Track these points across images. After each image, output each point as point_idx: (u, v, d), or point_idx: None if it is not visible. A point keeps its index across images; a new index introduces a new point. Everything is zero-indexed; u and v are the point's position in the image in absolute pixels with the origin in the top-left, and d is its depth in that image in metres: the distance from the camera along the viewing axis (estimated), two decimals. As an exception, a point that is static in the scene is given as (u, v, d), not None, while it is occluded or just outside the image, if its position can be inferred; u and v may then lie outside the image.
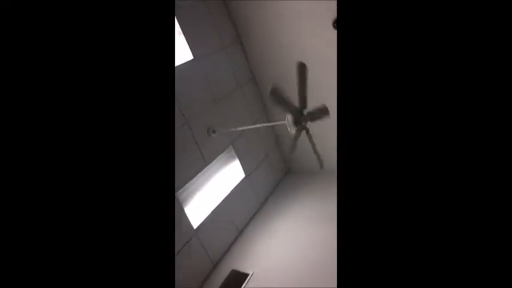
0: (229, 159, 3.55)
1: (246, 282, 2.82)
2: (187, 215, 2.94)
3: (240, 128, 3.15)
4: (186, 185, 2.96)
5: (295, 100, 2.41)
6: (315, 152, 2.64)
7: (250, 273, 2.90)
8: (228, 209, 3.42)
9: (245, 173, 3.70)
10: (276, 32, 3.42)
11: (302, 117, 2.50)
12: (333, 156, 3.29)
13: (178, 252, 2.80)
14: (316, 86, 3.29)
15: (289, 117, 2.45)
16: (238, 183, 3.60)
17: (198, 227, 3.04)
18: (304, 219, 3.41)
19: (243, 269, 3.00)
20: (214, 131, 3.24)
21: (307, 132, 2.57)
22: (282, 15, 3.28)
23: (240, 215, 3.58)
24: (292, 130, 2.50)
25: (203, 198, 3.17)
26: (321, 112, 2.59)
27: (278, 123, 2.98)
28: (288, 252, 3.05)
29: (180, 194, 2.89)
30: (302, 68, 2.36)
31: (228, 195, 3.45)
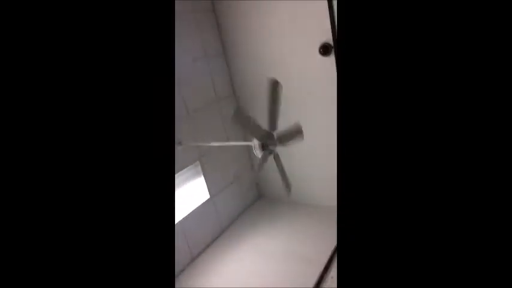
0: (194, 175, 3.26)
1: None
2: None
3: (209, 144, 2.90)
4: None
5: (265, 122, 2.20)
6: (283, 178, 2.39)
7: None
8: (184, 232, 3.08)
9: (210, 194, 3.39)
10: (263, 49, 3.27)
11: (271, 140, 2.27)
12: (302, 186, 3.05)
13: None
14: (297, 107, 3.10)
15: (255, 142, 2.21)
16: (201, 205, 3.28)
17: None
18: (267, 256, 3.09)
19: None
20: (180, 143, 2.96)
21: (275, 157, 2.33)
22: (272, 32, 3.15)
23: (197, 240, 3.24)
24: (259, 155, 2.26)
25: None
26: (293, 134, 2.37)
27: (251, 143, 2.74)
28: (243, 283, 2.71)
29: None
30: (274, 86, 2.16)
31: (187, 216, 3.12)
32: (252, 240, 3.33)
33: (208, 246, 3.35)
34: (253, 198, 4.07)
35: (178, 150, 2.96)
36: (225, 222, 3.62)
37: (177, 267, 3.01)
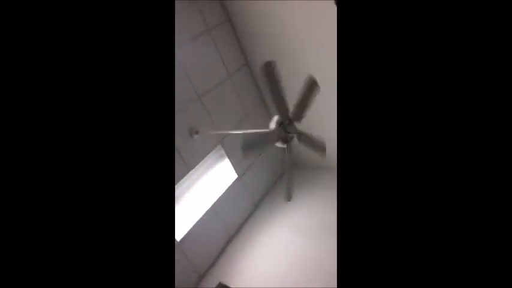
0: (218, 159, 3.19)
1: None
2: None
3: (227, 132, 2.74)
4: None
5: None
6: (288, 184, 2.22)
7: (237, 290, 2.66)
8: (218, 214, 3.13)
9: (237, 173, 3.34)
10: (270, 10, 2.82)
11: (291, 127, 2.03)
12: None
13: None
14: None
15: (274, 120, 1.98)
16: (230, 185, 3.26)
17: (182, 239, 2.79)
18: (302, 228, 3.06)
19: (231, 280, 2.77)
20: (197, 132, 2.84)
21: (287, 149, 2.11)
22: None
23: (232, 220, 3.30)
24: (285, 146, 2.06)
25: (187, 207, 2.88)
26: (315, 145, 2.15)
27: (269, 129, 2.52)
28: (280, 264, 2.76)
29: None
30: (269, 68, 1.82)
31: (219, 199, 3.14)
32: (287, 213, 3.30)
33: (244, 222, 3.41)
34: (283, 169, 3.95)
35: (196, 139, 2.86)
36: (257, 198, 3.62)
37: (217, 249, 3.13)
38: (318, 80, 1.98)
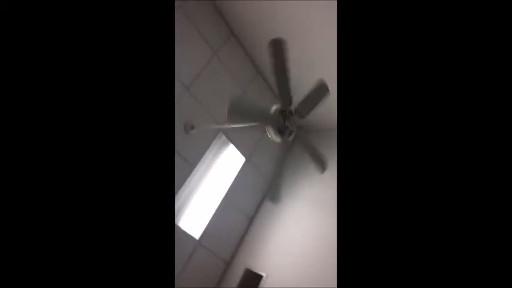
0: (222, 147, 3.00)
1: (260, 285, 2.64)
2: (184, 230, 2.65)
3: (223, 127, 2.49)
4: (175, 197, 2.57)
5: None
6: (315, 159, 1.97)
7: (265, 275, 2.68)
8: (234, 200, 3.06)
9: (245, 156, 3.17)
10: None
11: (288, 119, 1.77)
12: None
13: (180, 272, 2.61)
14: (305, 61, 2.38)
15: (269, 129, 1.75)
16: (240, 170, 3.13)
17: (201, 236, 2.77)
18: (324, 200, 2.94)
19: (257, 265, 2.80)
20: (192, 127, 2.62)
21: (299, 138, 1.87)
22: None
23: (248, 204, 3.23)
24: (278, 139, 1.83)
25: (200, 202, 2.80)
26: (316, 94, 1.81)
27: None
28: (306, 242, 2.72)
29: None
30: (278, 46, 1.54)
31: (231, 186, 3.04)
32: (305, 186, 3.17)
33: (261, 204, 3.34)
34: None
35: (194, 134, 2.65)
36: (270, 175, 3.48)
37: (238, 234, 3.13)
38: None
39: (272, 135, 1.78)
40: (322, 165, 2.00)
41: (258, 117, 1.70)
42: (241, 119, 1.70)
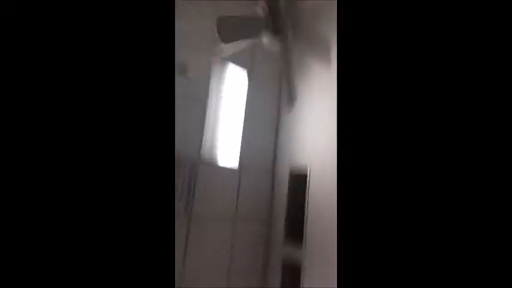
0: (223, 73, 2.89)
1: (308, 181, 2.87)
2: (223, 166, 2.82)
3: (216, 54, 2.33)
4: (203, 142, 2.67)
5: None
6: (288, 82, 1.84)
7: (308, 169, 2.87)
8: (254, 118, 3.12)
9: (247, 74, 3.06)
10: None
11: (278, 16, 1.60)
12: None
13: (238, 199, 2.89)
14: None
15: (265, 39, 1.61)
16: (248, 88, 3.08)
17: (240, 163, 2.95)
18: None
19: (300, 160, 3.00)
20: (185, 70, 2.50)
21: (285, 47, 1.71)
22: None
23: (268, 114, 3.27)
24: (275, 47, 1.71)
25: (226, 133, 2.89)
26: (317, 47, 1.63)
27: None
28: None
29: (202, 159, 2.67)
30: None
31: (246, 105, 3.07)
32: (320, 76, 3.08)
33: (279, 112, 3.37)
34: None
35: (190, 71, 2.54)
36: (278, 76, 3.40)
37: (270, 149, 3.27)
38: None
39: (268, 43, 1.66)
40: (292, 95, 1.92)
41: (248, 24, 1.56)
42: (232, 33, 1.57)
